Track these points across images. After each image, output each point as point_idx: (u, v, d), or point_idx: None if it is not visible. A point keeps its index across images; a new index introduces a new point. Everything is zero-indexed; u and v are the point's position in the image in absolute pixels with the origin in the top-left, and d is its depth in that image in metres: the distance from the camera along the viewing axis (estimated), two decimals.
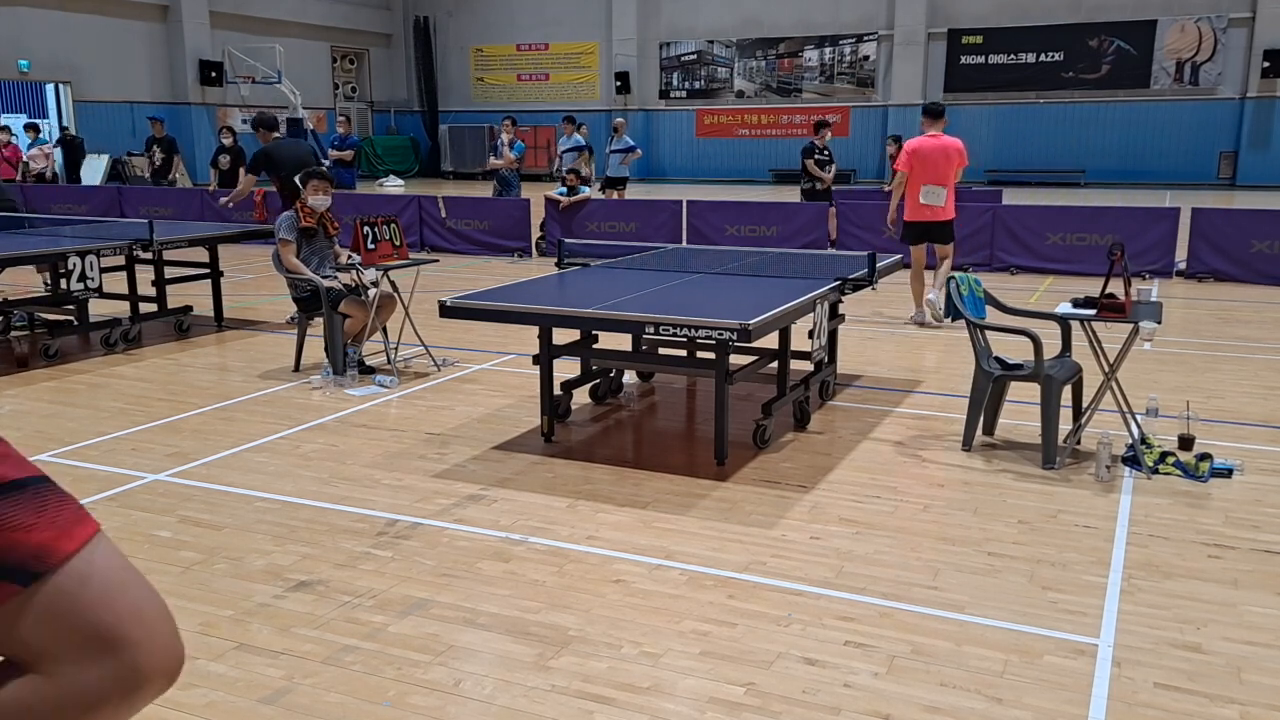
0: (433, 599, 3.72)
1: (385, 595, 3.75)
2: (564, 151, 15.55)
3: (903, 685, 3.13)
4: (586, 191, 14.18)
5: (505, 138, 14.68)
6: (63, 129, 24.60)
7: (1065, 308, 5.26)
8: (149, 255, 8.49)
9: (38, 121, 21.38)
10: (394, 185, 27.40)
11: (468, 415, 6.16)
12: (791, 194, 18.29)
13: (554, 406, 5.69)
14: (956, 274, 5.71)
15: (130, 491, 4.87)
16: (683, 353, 6.49)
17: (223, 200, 10.95)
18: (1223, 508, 4.61)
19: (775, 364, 5.84)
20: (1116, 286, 5.02)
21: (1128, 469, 5.09)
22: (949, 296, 5.49)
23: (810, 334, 5.76)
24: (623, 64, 31.52)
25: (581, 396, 6.39)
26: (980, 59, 28.24)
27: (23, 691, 0.80)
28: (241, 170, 14.96)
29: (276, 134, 9.40)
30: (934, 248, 9.13)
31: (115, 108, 25.60)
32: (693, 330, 4.72)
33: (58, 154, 21.27)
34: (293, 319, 8.98)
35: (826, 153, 13.70)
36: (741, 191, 23.98)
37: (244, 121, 27.56)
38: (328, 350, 6.99)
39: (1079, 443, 5.39)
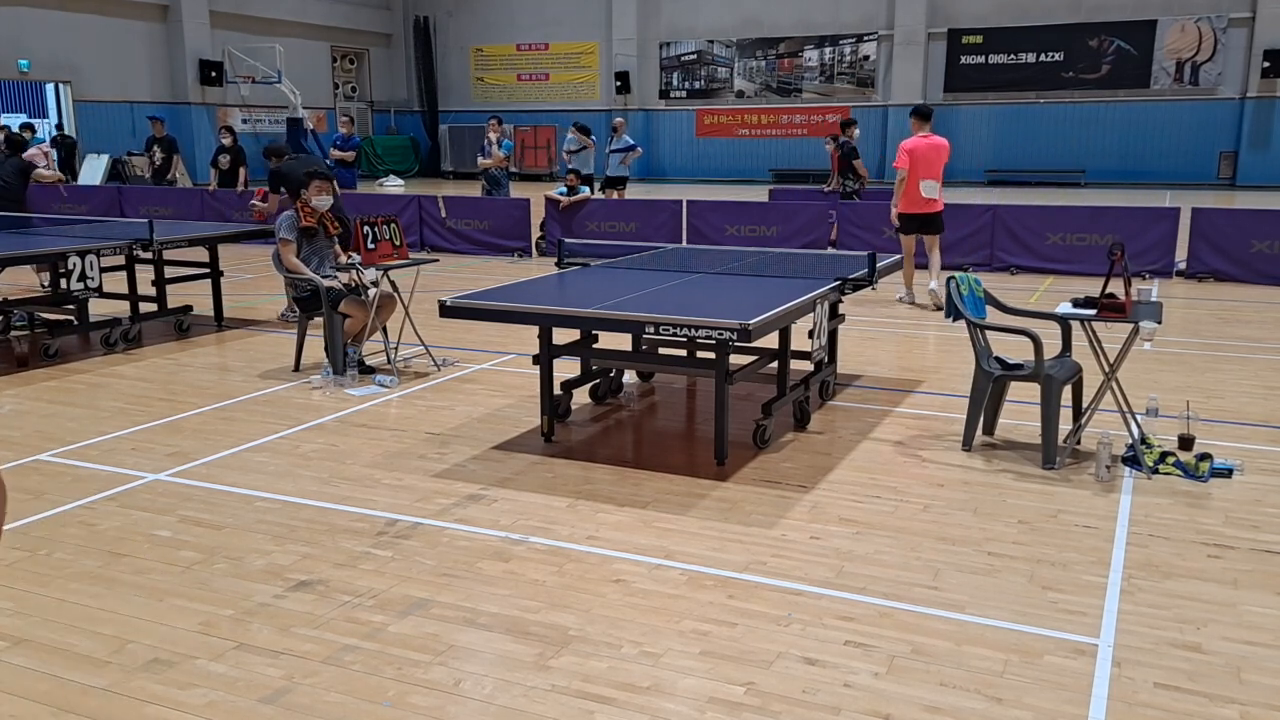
0: (433, 599, 3.72)
1: (385, 595, 3.75)
2: (572, 152, 15.62)
3: (903, 685, 3.13)
4: (586, 191, 14.19)
5: (493, 136, 14.69)
6: (57, 128, 24.58)
7: (1065, 308, 5.26)
8: (149, 255, 8.49)
9: (34, 121, 21.35)
10: (394, 185, 27.40)
11: (468, 415, 6.16)
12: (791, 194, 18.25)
13: (554, 406, 5.69)
14: (956, 274, 5.71)
15: (130, 491, 4.87)
16: (683, 353, 6.49)
17: (259, 205, 11.29)
18: (1223, 508, 4.61)
19: (775, 364, 5.84)
20: (1116, 286, 5.02)
21: (1128, 469, 5.08)
22: (949, 296, 5.49)
23: (810, 334, 5.76)
24: (623, 64, 31.52)
25: (581, 396, 6.39)
26: (980, 59, 28.24)
27: None
28: (241, 170, 15.22)
29: (287, 156, 10.25)
30: (923, 239, 10.07)
31: (115, 108, 25.60)
32: (693, 330, 4.72)
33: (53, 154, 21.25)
34: (284, 315, 9.02)
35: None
36: (741, 191, 23.98)
37: (244, 121, 27.63)
38: (328, 350, 6.99)
39: (1079, 443, 5.39)
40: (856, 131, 14.48)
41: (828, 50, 29.86)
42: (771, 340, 5.57)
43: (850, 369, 7.25)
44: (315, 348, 7.30)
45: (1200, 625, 3.50)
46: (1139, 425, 5.28)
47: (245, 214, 13.45)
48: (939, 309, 9.65)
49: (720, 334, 4.64)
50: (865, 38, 29.35)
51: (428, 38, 33.94)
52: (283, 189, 9.73)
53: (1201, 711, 2.98)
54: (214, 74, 27.30)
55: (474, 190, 15.92)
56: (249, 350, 8.02)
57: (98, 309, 8.25)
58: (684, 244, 12.83)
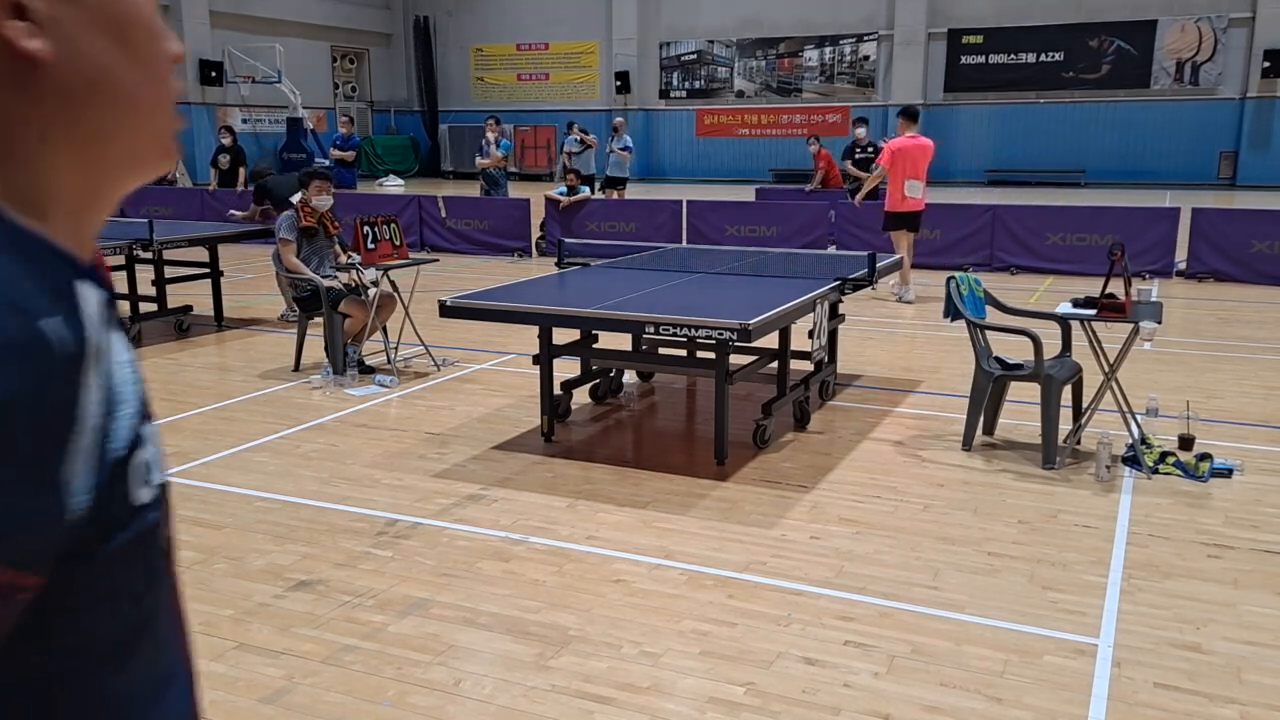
0: (433, 599, 3.72)
1: (385, 595, 3.75)
2: (573, 154, 15.66)
3: (903, 685, 3.13)
4: (586, 191, 14.18)
5: (491, 136, 14.70)
6: None
7: (1065, 308, 5.26)
8: (149, 255, 8.49)
9: None
10: (394, 185, 27.39)
11: (468, 415, 6.16)
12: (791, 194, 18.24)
13: (554, 406, 5.69)
14: (956, 274, 5.72)
15: None
16: (683, 353, 6.49)
17: (238, 214, 11.69)
18: (1223, 508, 4.61)
19: (775, 364, 5.84)
20: (1116, 286, 5.02)
21: (1128, 469, 5.08)
22: (949, 296, 5.49)
23: (810, 334, 5.76)
24: (623, 64, 31.50)
25: (581, 396, 6.39)
26: (980, 59, 28.22)
27: None
28: (241, 170, 15.25)
29: (271, 173, 11.36)
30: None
31: None
32: (693, 330, 4.72)
33: None
34: (284, 315, 9.02)
35: (871, 149, 13.92)
36: (741, 191, 23.97)
37: (244, 121, 27.61)
38: (328, 350, 6.99)
39: (1079, 443, 5.39)
40: (860, 131, 14.39)
41: (828, 50, 29.84)
42: (771, 340, 5.57)
43: (850, 369, 7.25)
44: (315, 348, 7.30)
45: (1200, 625, 3.50)
46: (1139, 425, 5.28)
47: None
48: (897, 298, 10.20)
49: (720, 334, 4.64)
50: (865, 38, 29.33)
51: (428, 37, 33.92)
52: (266, 201, 10.53)
53: (1201, 711, 2.98)
54: (214, 74, 27.28)
55: (474, 190, 15.94)
56: (249, 350, 8.02)
57: None
58: (684, 244, 12.82)
